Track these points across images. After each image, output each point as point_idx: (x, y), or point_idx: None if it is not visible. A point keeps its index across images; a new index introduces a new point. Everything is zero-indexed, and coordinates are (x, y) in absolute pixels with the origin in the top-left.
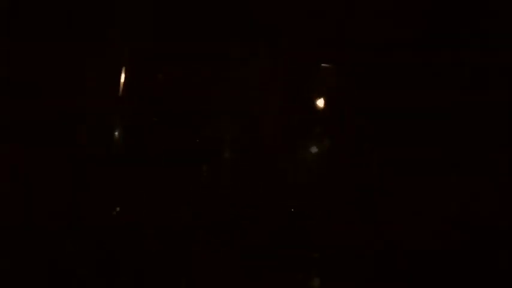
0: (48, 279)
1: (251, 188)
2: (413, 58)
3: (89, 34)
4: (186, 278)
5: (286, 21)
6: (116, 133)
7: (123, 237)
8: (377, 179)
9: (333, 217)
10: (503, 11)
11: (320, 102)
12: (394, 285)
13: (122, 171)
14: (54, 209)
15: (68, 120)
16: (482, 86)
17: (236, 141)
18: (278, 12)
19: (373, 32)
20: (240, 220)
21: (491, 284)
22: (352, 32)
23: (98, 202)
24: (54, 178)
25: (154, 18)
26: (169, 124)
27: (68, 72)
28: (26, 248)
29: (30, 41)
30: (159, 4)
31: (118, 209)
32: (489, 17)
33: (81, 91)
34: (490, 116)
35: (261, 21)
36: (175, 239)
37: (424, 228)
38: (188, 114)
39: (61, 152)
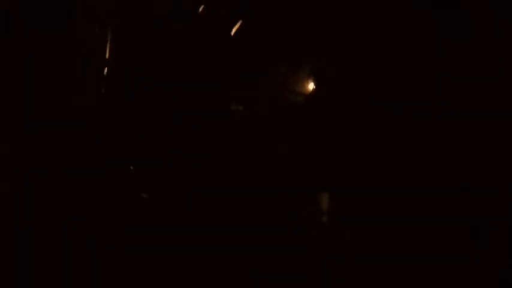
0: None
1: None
2: None
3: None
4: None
5: None
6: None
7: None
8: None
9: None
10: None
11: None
12: (395, 285)
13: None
14: (54, 209)
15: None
16: None
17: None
18: None
19: None
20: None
21: (491, 283)
22: None
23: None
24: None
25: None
26: (164, 124)
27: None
28: (26, 247)
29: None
30: None
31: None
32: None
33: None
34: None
35: None
36: None
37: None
38: (186, 113)
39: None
